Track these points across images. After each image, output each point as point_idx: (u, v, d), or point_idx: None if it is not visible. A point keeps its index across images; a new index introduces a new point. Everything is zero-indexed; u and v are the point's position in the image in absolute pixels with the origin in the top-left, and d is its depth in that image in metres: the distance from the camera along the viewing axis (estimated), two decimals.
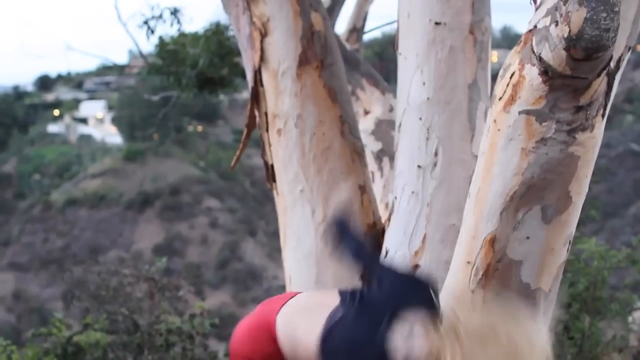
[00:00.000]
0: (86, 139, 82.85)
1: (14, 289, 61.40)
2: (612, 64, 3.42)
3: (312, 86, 4.81)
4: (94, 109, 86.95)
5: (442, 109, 4.35)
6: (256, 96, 4.98)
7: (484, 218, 3.64)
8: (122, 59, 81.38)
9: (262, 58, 4.88)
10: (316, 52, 4.86)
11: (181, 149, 71.70)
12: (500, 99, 3.60)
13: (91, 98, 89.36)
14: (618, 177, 49.36)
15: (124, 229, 64.70)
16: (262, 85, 4.94)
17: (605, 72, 3.37)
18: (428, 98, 4.41)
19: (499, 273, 3.63)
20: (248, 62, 5.05)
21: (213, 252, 62.27)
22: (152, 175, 67.47)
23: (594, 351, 8.28)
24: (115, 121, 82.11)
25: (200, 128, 75.26)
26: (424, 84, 4.42)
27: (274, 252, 63.67)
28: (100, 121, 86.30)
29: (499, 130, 3.60)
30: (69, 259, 61.33)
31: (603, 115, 3.55)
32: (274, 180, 4.94)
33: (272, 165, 4.94)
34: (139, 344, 8.54)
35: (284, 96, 4.83)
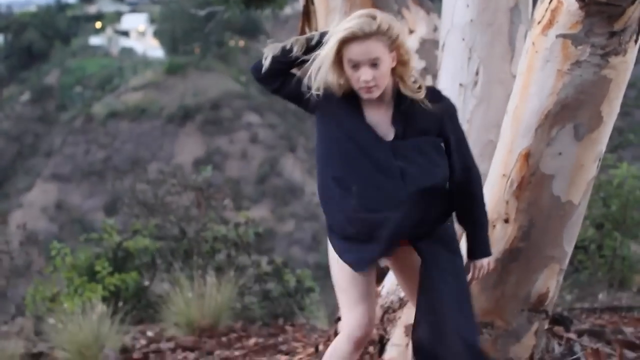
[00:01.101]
0: (128, 52, 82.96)
1: (56, 200, 62.51)
2: None
3: (361, 5, 5.06)
4: (135, 22, 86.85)
5: (484, 30, 4.57)
6: (307, 14, 5.24)
7: (520, 134, 3.91)
8: None
9: None
10: None
11: (222, 63, 71.71)
12: (539, 22, 3.85)
13: (133, 11, 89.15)
14: None
15: (164, 142, 65.22)
16: (313, 3, 5.19)
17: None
18: (471, 20, 4.63)
19: (532, 186, 3.91)
20: None
21: (253, 167, 62.73)
22: (193, 89, 67.67)
23: (625, 270, 8.53)
24: (157, 34, 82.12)
25: (242, 43, 75.02)
26: (467, 6, 4.63)
27: (314, 168, 63.79)
28: (142, 34, 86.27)
29: (536, 52, 3.85)
30: (110, 170, 62.27)
31: (636, 41, 3.79)
32: None
33: None
34: (185, 250, 8.92)
35: (334, 14, 5.08)
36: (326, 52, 3.27)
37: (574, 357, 4.45)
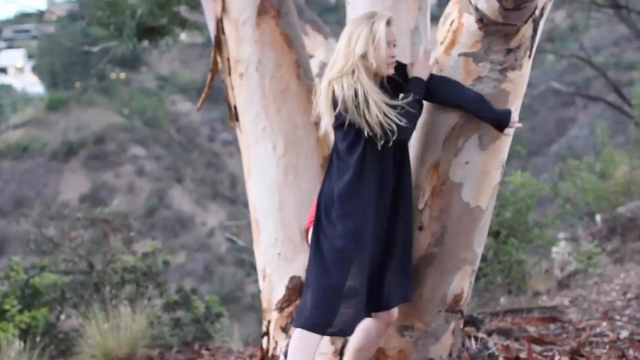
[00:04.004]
0: (6, 89, 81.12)
1: None
2: (537, 12, 4.02)
3: (270, 34, 5.31)
4: (13, 58, 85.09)
5: None
6: (218, 43, 5.46)
7: (430, 147, 4.22)
8: (40, 5, 79.83)
9: (224, 8, 5.36)
10: (273, 2, 5.35)
11: (104, 96, 70.73)
12: (441, 43, 4.19)
13: (10, 47, 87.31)
14: (540, 116, 50.48)
15: (49, 180, 63.91)
16: (224, 33, 5.41)
17: (531, 19, 3.99)
18: None
19: (443, 194, 4.22)
20: (210, 12, 5.51)
21: (140, 200, 62.02)
22: (76, 124, 66.54)
23: (520, 275, 8.92)
24: (35, 70, 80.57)
25: (123, 75, 74.31)
26: None
27: (202, 198, 63.71)
28: (20, 70, 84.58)
29: (441, 70, 4.18)
30: None
31: (530, 56, 4.16)
32: (237, 120, 5.43)
33: (235, 106, 5.43)
34: (95, 283, 8.93)
35: (244, 43, 5.32)
36: (380, 34, 3.90)
37: (489, 351, 4.76)
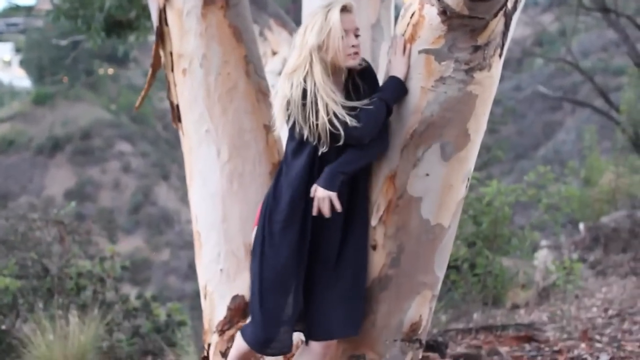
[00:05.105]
0: None
1: None
2: (509, 5, 3.50)
3: (217, 26, 4.79)
4: (0, 51, 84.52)
5: None
6: (161, 36, 4.93)
7: (385, 156, 3.71)
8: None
9: None
10: None
11: (92, 92, 70.20)
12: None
13: None
14: (527, 119, 50.14)
15: (34, 175, 63.42)
16: (167, 24, 4.89)
17: (502, 12, 3.46)
18: None
19: (400, 209, 3.71)
20: (153, 1, 5.00)
21: (126, 196, 61.61)
22: (63, 119, 66.06)
23: (498, 286, 8.53)
24: (23, 64, 79.89)
25: (111, 71, 73.56)
26: None
27: (187, 196, 63.45)
28: (8, 64, 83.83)
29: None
30: None
31: (500, 55, 3.65)
32: (180, 120, 4.92)
33: (177, 105, 4.92)
34: (49, 289, 8.46)
35: (189, 36, 4.79)
36: (334, 22, 3.56)
37: None
